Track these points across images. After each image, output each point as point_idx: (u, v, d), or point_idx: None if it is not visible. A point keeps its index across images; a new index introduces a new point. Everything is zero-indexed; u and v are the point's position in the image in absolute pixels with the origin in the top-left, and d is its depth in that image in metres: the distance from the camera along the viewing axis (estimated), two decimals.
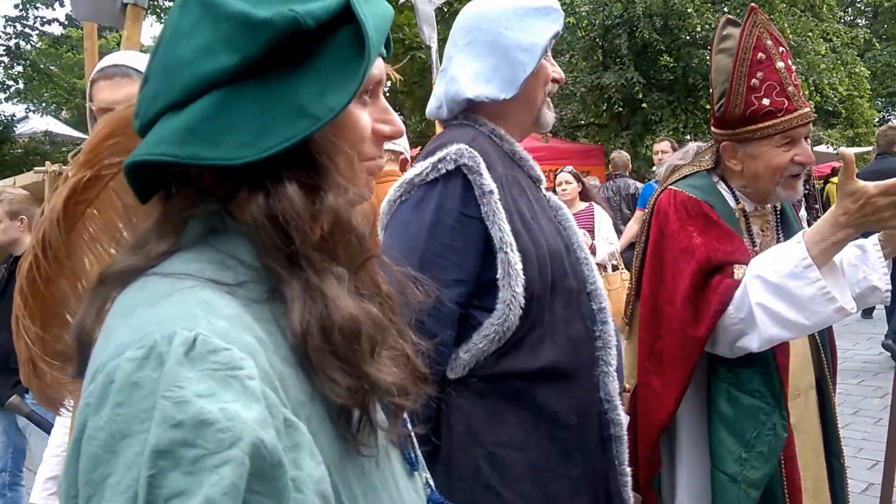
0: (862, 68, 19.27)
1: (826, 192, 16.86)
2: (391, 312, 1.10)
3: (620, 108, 17.45)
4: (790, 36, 16.63)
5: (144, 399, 0.78)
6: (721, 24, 2.67)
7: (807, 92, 17.07)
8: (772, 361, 2.47)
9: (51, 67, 21.64)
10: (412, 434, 1.24)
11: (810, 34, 17.16)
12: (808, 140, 2.58)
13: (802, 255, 2.26)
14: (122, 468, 0.77)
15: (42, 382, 1.21)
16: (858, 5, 34.97)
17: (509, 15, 2.13)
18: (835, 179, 16.77)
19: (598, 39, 17.90)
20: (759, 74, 2.49)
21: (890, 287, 2.64)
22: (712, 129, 2.71)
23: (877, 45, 23.91)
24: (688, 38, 17.05)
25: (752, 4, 2.59)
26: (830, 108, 19.65)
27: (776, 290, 2.30)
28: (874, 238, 2.67)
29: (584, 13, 17.44)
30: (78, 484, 0.81)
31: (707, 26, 16.04)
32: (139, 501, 0.75)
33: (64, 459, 0.85)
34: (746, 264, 2.44)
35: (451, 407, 1.94)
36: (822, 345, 2.71)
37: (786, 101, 2.49)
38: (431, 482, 1.26)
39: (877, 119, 26.03)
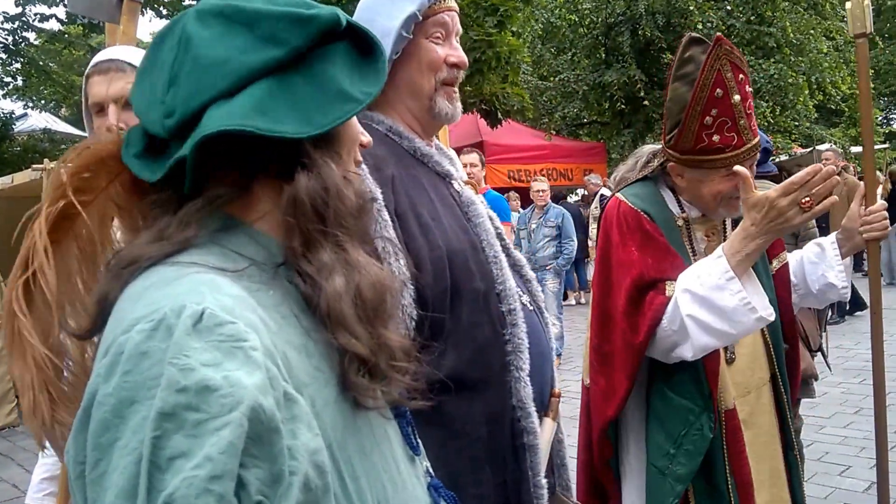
0: None
1: None
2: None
3: (623, 106, 17.43)
4: (791, 34, 16.62)
5: (152, 367, 0.82)
6: (684, 44, 2.62)
7: (808, 91, 17.07)
8: (701, 368, 2.56)
9: (50, 64, 21.60)
10: (413, 423, 1.28)
11: (813, 32, 17.13)
12: (754, 168, 2.65)
13: (725, 268, 2.39)
14: (129, 432, 0.81)
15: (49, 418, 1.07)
16: None
17: (384, 1, 2.04)
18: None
19: (600, 37, 17.89)
20: (714, 112, 2.49)
21: (847, 284, 2.80)
22: (664, 146, 2.73)
23: (879, 43, 23.92)
24: None
25: (719, 34, 2.55)
26: (833, 107, 19.64)
27: (703, 302, 2.41)
28: (832, 237, 2.84)
29: (586, 11, 17.44)
30: (86, 449, 0.84)
31: (709, 24, 16.03)
32: (143, 461, 0.78)
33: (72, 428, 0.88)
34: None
35: None
36: (774, 343, 2.80)
37: (735, 137, 2.52)
38: (431, 470, 1.30)
39: (879, 118, 26.02)
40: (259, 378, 0.85)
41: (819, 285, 2.84)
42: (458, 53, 2.09)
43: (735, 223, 2.83)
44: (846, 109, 20.22)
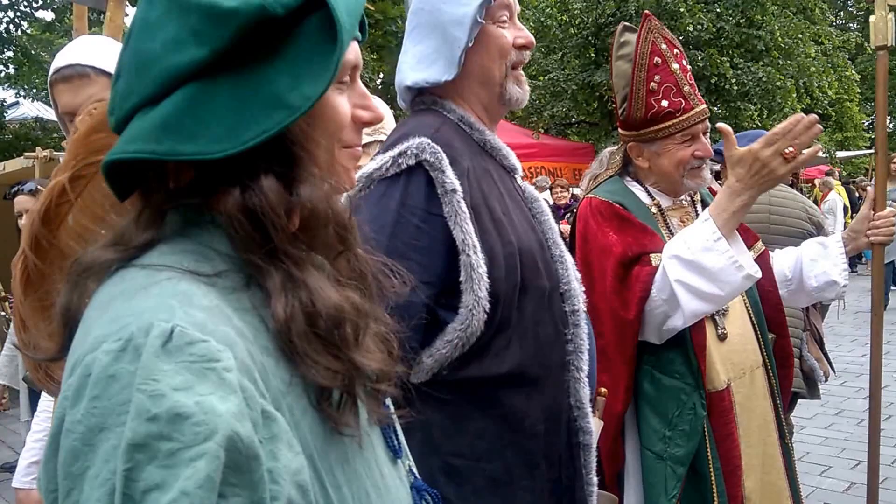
0: (852, 72, 19.36)
1: (813, 195, 16.92)
2: (371, 299, 1.10)
3: (612, 107, 17.47)
4: (780, 38, 16.67)
5: (121, 392, 0.78)
6: (619, 32, 2.84)
7: (795, 94, 17.14)
8: (689, 345, 2.59)
9: (41, 54, 21.48)
10: (396, 422, 1.23)
11: (801, 36, 17.20)
12: (707, 134, 2.77)
13: (712, 229, 2.42)
14: (100, 461, 0.77)
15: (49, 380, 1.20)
16: (850, 9, 35.15)
17: None
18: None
19: (590, 38, 17.91)
20: (657, 78, 2.66)
21: (847, 282, 2.86)
22: (619, 131, 2.87)
23: (868, 49, 24.00)
24: (679, 37, 17.07)
25: (646, 11, 2.78)
26: (820, 112, 19.73)
27: (691, 265, 2.45)
28: (838, 235, 2.91)
29: (577, 11, 17.45)
30: (57, 478, 0.80)
31: (699, 26, 16.07)
32: (117, 494, 0.74)
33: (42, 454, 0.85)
34: (661, 252, 2.59)
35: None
36: (760, 329, 2.83)
37: (683, 101, 2.66)
38: (415, 469, 1.26)
39: (866, 123, 26.17)
40: (233, 403, 0.81)
41: (819, 282, 2.87)
42: (524, 34, 2.04)
43: (705, 207, 2.86)
44: (833, 114, 20.32)
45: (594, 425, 2.06)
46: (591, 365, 2.08)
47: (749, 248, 2.82)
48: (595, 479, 2.04)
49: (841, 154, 20.41)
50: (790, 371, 2.97)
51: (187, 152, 0.89)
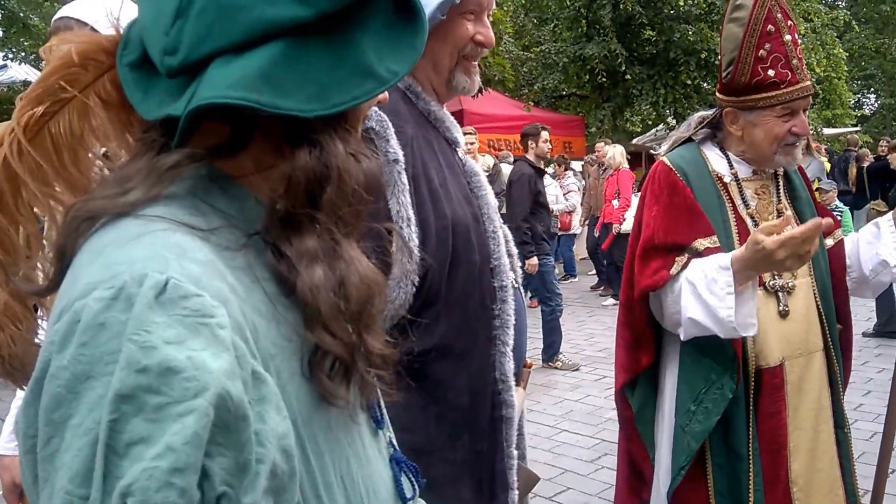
0: (840, 50, 19.47)
1: None
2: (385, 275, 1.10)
3: (603, 80, 17.55)
4: None
5: (110, 341, 0.76)
6: None
7: None
8: None
9: (30, 17, 21.34)
10: (380, 395, 1.23)
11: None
12: (806, 112, 2.72)
13: (728, 280, 2.43)
14: (84, 410, 0.75)
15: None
16: None
17: None
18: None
19: (582, 10, 17.93)
20: (767, 46, 2.58)
21: None
22: (717, 95, 2.82)
23: (856, 27, 24.07)
24: (671, 12, 17.14)
25: None
26: None
27: (706, 309, 2.47)
28: (889, 215, 2.83)
29: None
30: (38, 423, 0.78)
31: (690, 1, 16.15)
32: (100, 445, 0.73)
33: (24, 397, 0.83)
34: (689, 249, 2.59)
35: None
36: (827, 314, 2.79)
37: (789, 74, 2.60)
38: (395, 441, 1.26)
39: (853, 101, 26.33)
40: (226, 361, 0.78)
41: (872, 265, 2.80)
42: (486, 32, 2.07)
43: (789, 183, 2.88)
44: (820, 91, 20.46)
45: (517, 397, 2.10)
46: (521, 337, 2.12)
47: (829, 234, 2.85)
48: (515, 453, 2.06)
49: (828, 131, 20.58)
50: (849, 363, 2.94)
51: (283, 107, 0.87)
